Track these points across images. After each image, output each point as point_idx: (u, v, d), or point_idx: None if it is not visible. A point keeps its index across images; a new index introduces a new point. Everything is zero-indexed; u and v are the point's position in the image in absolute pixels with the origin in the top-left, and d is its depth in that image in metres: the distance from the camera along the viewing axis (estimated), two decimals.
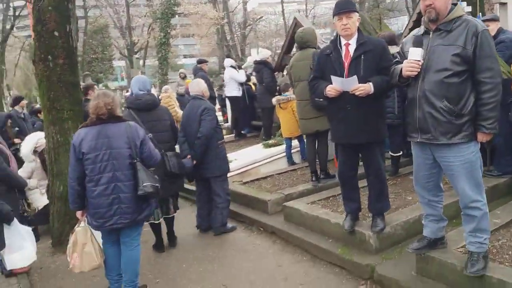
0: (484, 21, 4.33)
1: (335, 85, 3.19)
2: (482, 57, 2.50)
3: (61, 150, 4.71)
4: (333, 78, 3.18)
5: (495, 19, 4.92)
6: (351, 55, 3.22)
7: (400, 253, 3.42)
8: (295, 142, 6.47)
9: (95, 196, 3.07)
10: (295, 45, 8.40)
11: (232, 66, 8.47)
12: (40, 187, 5.23)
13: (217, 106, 11.13)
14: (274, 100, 6.24)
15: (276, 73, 8.34)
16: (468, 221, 2.75)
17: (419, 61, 2.63)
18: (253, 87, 9.05)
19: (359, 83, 3.10)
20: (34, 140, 5.29)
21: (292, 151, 6.47)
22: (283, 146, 6.59)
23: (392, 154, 5.14)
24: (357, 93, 3.11)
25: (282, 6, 28.02)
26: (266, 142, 7.08)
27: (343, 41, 3.28)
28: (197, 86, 4.56)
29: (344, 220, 3.67)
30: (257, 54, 13.60)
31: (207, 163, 4.50)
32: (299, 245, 4.04)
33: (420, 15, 4.72)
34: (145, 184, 3.11)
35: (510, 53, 4.37)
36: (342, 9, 3.19)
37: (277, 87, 7.87)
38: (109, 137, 3.10)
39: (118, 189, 3.08)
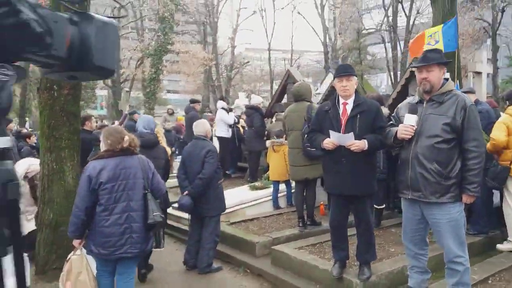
0: None
1: (333, 139, 3.47)
2: (469, 129, 2.84)
3: (55, 178, 4.75)
4: (331, 132, 3.46)
5: (471, 92, 5.42)
6: (348, 113, 3.53)
7: None
8: (282, 186, 6.68)
9: (109, 225, 3.17)
10: (286, 95, 8.87)
11: (223, 108, 8.78)
12: (26, 213, 5.18)
13: None
14: (268, 142, 6.51)
15: (265, 118, 8.69)
16: (452, 275, 2.98)
17: (413, 126, 2.95)
18: (241, 129, 9.34)
19: (354, 139, 3.40)
20: (26, 165, 5.30)
21: (278, 195, 6.66)
22: (269, 190, 6.78)
23: (375, 206, 5.40)
24: (352, 148, 3.39)
25: (269, 54, 29.14)
26: (253, 184, 7.26)
27: (341, 100, 3.59)
28: (203, 127, 4.78)
29: (332, 267, 3.83)
30: (245, 97, 14.10)
31: (208, 203, 4.65)
32: None
33: (407, 80, 5.17)
34: (155, 213, 3.28)
35: (487, 122, 4.81)
36: (344, 73, 3.54)
37: (265, 132, 8.20)
38: (126, 168, 3.27)
39: (131, 219, 3.22)
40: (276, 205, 6.63)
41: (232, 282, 4.49)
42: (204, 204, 4.67)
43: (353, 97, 3.57)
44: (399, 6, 20.60)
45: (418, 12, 20.91)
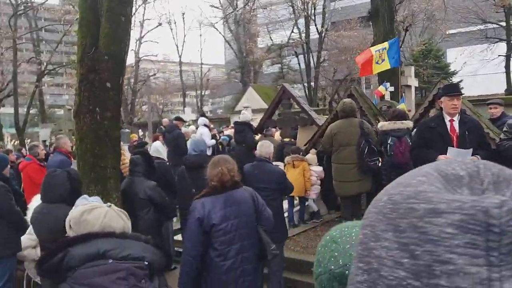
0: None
1: (450, 155, 3.65)
2: None
3: None
4: (450, 149, 3.63)
5: (500, 104, 5.93)
6: (457, 130, 3.76)
7: None
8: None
9: (224, 272, 2.85)
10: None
11: (205, 125, 8.41)
12: None
13: None
14: (288, 158, 6.45)
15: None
16: None
17: None
18: (220, 146, 9.06)
19: None
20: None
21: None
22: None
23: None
24: None
25: (180, 67, 28.76)
26: None
27: (447, 117, 3.81)
28: (268, 149, 4.48)
29: None
30: (190, 112, 13.65)
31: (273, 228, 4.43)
32: None
33: (434, 97, 5.58)
34: (273, 246, 3.06)
35: None
36: (456, 92, 3.76)
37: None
38: (238, 204, 2.96)
39: (245, 261, 2.93)
40: (292, 222, 6.57)
41: None
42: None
43: (458, 115, 3.80)
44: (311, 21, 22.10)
45: (327, 30, 22.71)
